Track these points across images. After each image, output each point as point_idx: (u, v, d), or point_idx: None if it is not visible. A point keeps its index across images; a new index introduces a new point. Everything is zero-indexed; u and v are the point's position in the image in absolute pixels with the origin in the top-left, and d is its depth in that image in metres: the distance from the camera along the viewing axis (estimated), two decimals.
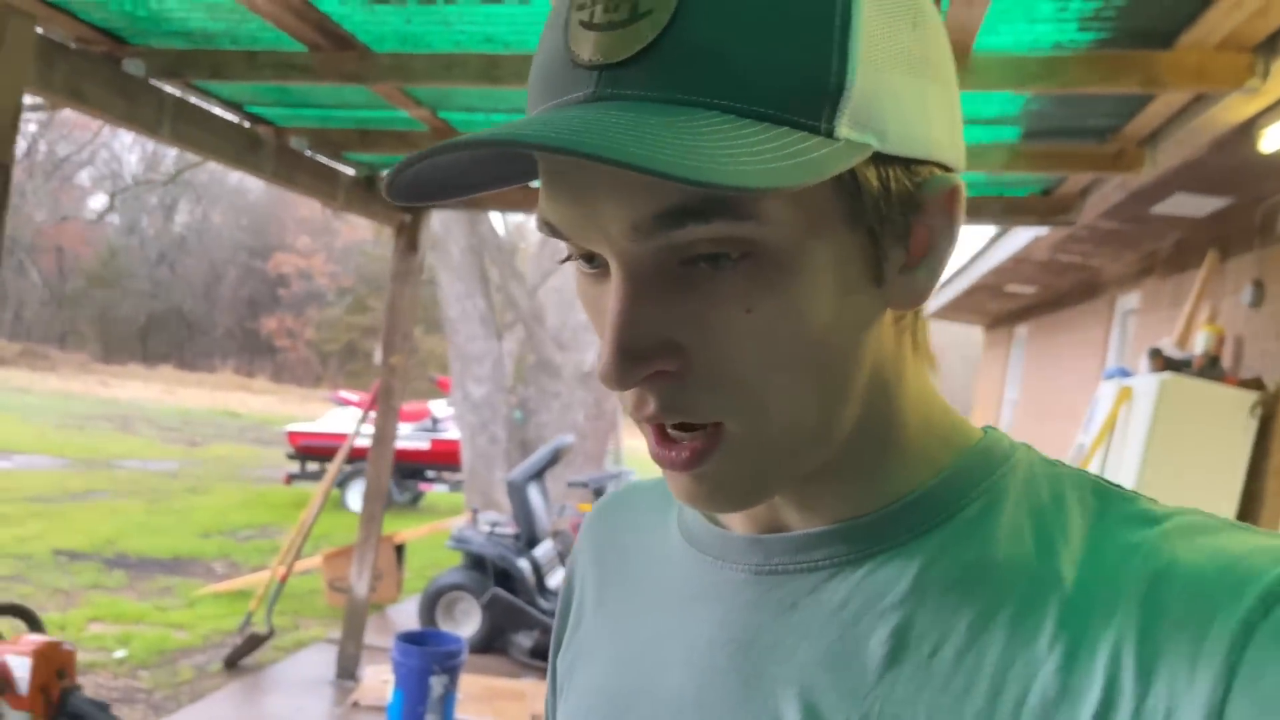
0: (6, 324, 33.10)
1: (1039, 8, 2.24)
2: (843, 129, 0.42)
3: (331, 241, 34.20)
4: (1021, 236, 5.94)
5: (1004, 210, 4.20)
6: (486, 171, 0.50)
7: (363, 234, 32.33)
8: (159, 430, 17.81)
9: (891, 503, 0.50)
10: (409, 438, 10.55)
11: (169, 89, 3.04)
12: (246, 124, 3.57)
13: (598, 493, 5.63)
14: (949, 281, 9.78)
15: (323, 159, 3.93)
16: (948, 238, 0.48)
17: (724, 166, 0.38)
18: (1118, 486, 0.50)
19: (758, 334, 0.44)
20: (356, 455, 10.80)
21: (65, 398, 22.33)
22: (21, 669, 1.85)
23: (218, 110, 3.37)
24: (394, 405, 4.60)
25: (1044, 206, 4.14)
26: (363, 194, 4.20)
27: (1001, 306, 9.77)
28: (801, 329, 0.44)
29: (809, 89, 0.42)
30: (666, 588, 0.58)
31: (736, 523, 0.56)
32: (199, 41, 2.84)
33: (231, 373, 33.49)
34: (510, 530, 5.40)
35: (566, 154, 0.38)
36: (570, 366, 8.73)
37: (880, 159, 0.44)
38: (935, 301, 10.77)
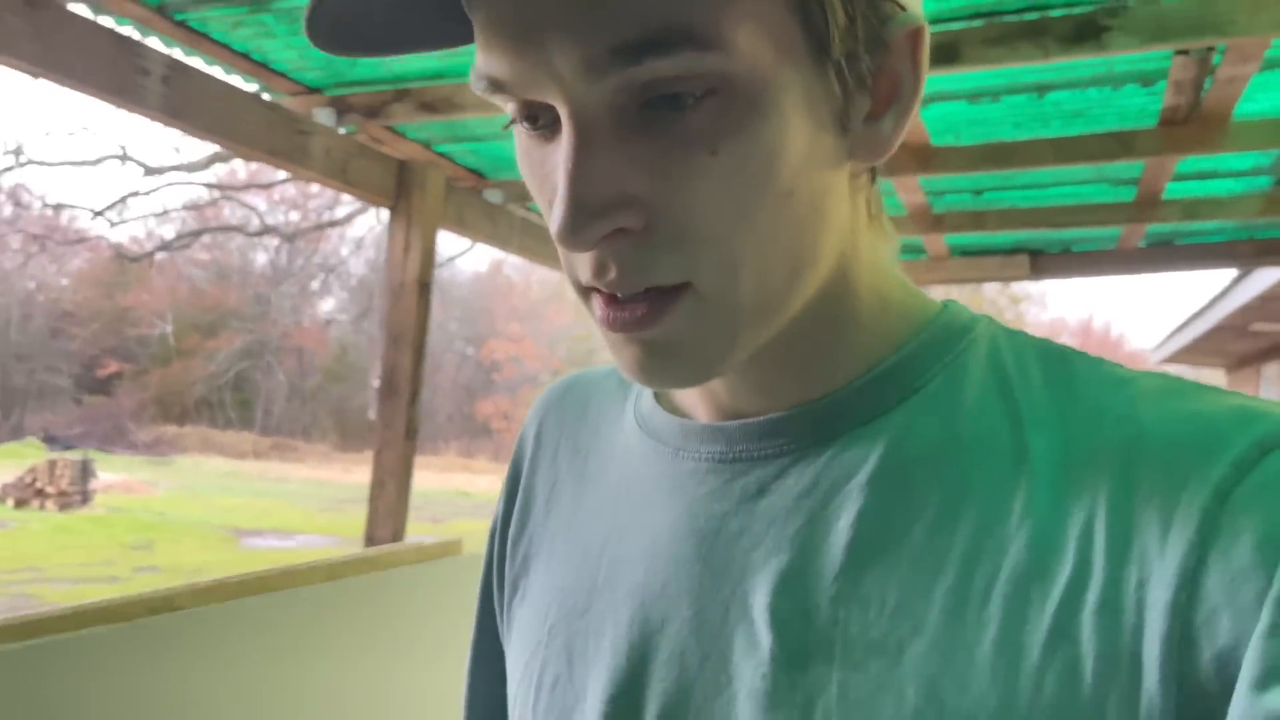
0: (259, 420, 36.65)
1: None
2: None
3: (539, 327, 36.11)
4: (1270, 274, 5.92)
5: (1256, 252, 4.31)
6: (419, 25, 0.47)
7: (568, 319, 34.05)
8: None
9: (852, 380, 0.49)
10: None
11: (516, 211, 3.73)
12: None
13: None
14: (1185, 325, 9.54)
15: None
16: (913, 85, 0.46)
17: None
18: (1081, 352, 0.48)
19: (724, 178, 0.41)
20: None
21: (317, 484, 24.53)
22: None
23: (537, 221, 4.06)
24: None
25: None
26: None
27: (1246, 347, 9.43)
28: (770, 171, 0.42)
29: None
30: (622, 481, 0.56)
31: (695, 412, 0.54)
32: None
33: (455, 455, 35.67)
34: None
35: None
36: None
37: None
38: (1172, 344, 10.47)
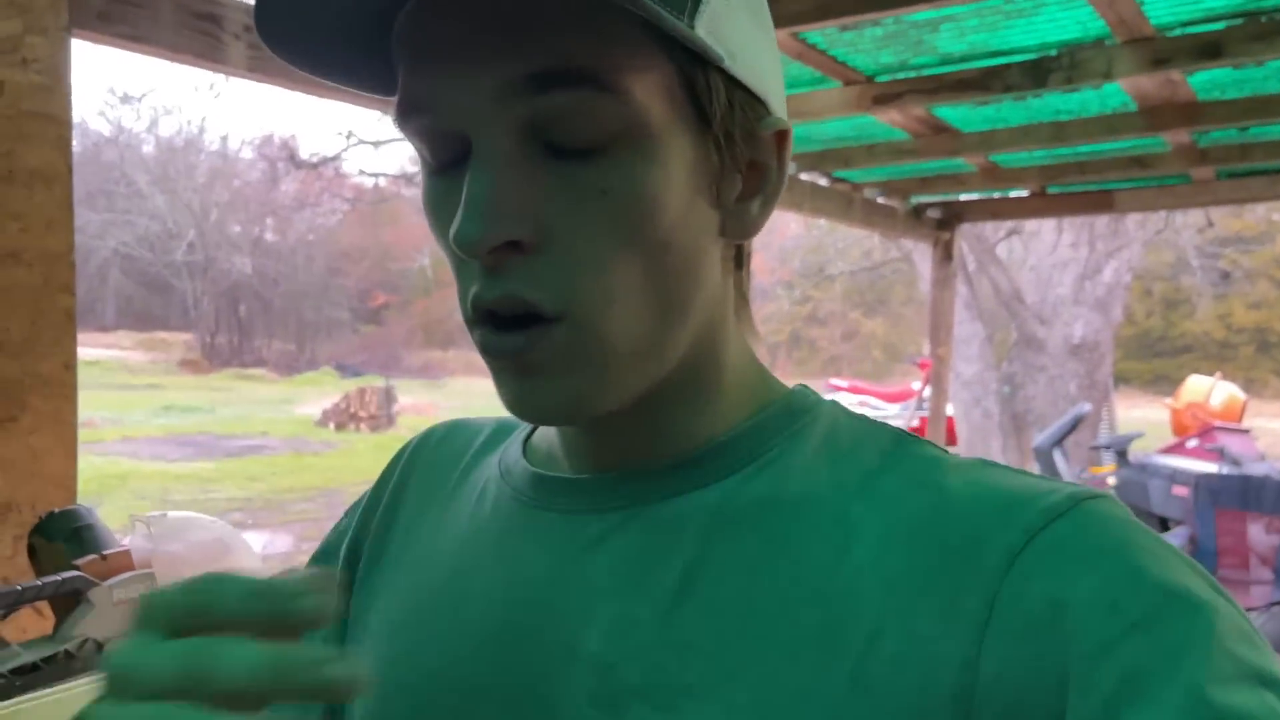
0: None
1: None
2: (700, 29, 0.45)
3: (769, 240, 36.33)
4: None
5: None
6: (353, 51, 0.50)
7: (796, 230, 34.12)
8: None
9: (702, 444, 0.52)
10: (897, 416, 11.60)
11: (804, 177, 4.30)
12: (824, 183, 4.77)
13: (1120, 454, 6.23)
14: None
15: (881, 200, 5.05)
16: (779, 177, 0.51)
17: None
18: (914, 435, 0.52)
19: (611, 216, 0.45)
20: None
21: None
22: None
23: (823, 182, 4.61)
24: (944, 388, 5.66)
25: None
26: (912, 222, 5.29)
27: None
28: (652, 218, 0.46)
29: None
30: (475, 527, 0.58)
31: (555, 467, 0.56)
32: (832, 144, 4.05)
33: None
34: None
35: None
36: (1056, 340, 9.24)
37: (727, 80, 0.47)
38: None
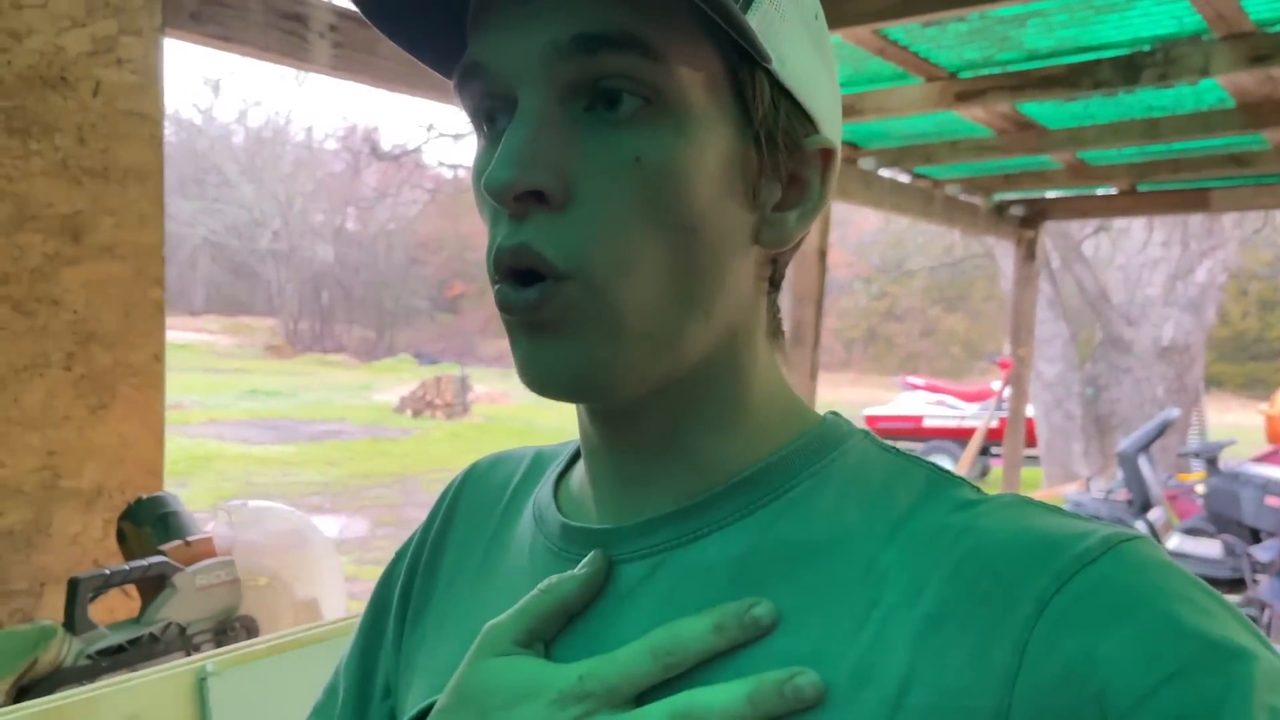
0: None
1: None
2: (751, 22, 0.45)
3: (846, 234, 35.88)
4: None
5: None
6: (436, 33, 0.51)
7: (874, 224, 33.56)
8: None
9: (728, 479, 0.51)
10: (976, 416, 11.37)
11: (884, 173, 4.24)
12: (904, 179, 4.70)
13: (1210, 461, 6.01)
14: None
15: (963, 197, 4.95)
16: (819, 195, 0.50)
17: None
18: (949, 474, 0.50)
19: (640, 185, 0.45)
20: (931, 435, 11.89)
21: None
22: None
23: (904, 178, 4.53)
24: (1024, 389, 5.52)
25: None
26: (994, 219, 5.17)
27: None
28: (681, 197, 0.46)
29: None
30: (513, 573, 0.58)
31: (581, 511, 0.56)
32: (913, 140, 3.98)
33: None
34: (1122, 497, 6.02)
35: None
36: (1144, 342, 8.95)
37: (773, 84, 0.47)
38: None
